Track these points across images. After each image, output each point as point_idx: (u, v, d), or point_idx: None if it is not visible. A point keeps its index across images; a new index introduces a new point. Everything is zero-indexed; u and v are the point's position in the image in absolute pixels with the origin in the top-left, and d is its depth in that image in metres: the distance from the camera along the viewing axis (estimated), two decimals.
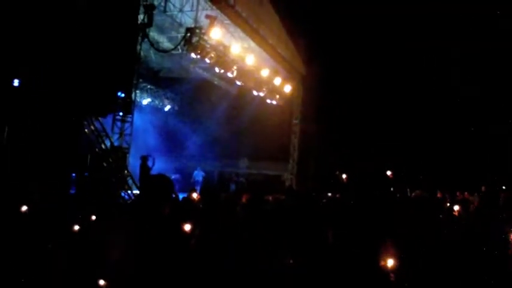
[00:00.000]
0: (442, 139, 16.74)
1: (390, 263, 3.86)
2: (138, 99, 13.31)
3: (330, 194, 9.19)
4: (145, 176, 9.49)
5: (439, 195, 10.79)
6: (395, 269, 3.89)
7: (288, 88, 14.38)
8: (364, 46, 15.30)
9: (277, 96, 14.64)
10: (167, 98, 16.05)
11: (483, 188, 11.76)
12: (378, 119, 15.67)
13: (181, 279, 3.72)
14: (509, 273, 4.45)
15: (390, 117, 15.71)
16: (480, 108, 16.60)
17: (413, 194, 10.89)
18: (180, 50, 11.18)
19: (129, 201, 5.89)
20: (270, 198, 7.58)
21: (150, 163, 10.28)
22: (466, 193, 11.59)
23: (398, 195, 10.20)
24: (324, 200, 8.45)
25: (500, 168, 15.66)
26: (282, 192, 9.59)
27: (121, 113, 9.62)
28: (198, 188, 13.28)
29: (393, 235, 4.87)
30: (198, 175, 14.87)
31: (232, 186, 13.93)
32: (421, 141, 16.09)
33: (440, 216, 7.15)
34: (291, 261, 4.34)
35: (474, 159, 16.61)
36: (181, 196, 6.20)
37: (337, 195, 8.98)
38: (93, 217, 4.80)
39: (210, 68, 12.36)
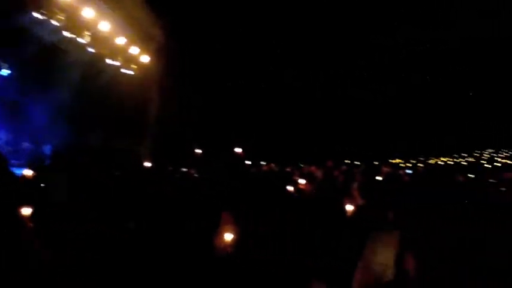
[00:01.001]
0: (295, 114, 17.76)
1: (228, 237, 3.93)
2: None
3: (184, 169, 9.18)
4: None
5: (288, 169, 11.47)
6: (235, 243, 3.97)
7: (145, 58, 13.84)
8: (225, 22, 15.41)
9: (134, 67, 14.01)
10: (5, 62, 14.28)
11: (329, 163, 12.79)
12: (231, 94, 16.01)
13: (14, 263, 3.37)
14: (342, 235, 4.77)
15: (243, 94, 16.17)
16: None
17: (264, 168, 11.44)
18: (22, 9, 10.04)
19: None
20: (119, 173, 7.32)
21: None
22: (312, 167, 12.50)
23: (250, 170, 10.56)
24: (178, 175, 8.42)
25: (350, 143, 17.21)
26: (135, 166, 9.30)
27: None
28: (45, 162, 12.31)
29: (237, 209, 4.97)
30: (45, 148, 13.73)
31: (83, 160, 13.10)
32: (272, 117, 16.88)
33: (289, 189, 7.57)
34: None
35: (325, 134, 17.99)
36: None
37: (192, 171, 9.00)
38: None
39: (58, 32, 11.30)
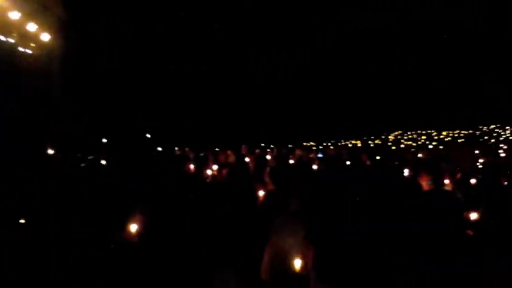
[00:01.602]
0: (211, 98, 17.56)
1: (134, 228, 3.84)
2: None
3: (91, 157, 8.74)
4: None
5: (202, 154, 11.27)
6: (146, 236, 3.90)
7: (45, 36, 12.72)
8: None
9: (33, 45, 12.84)
10: None
11: (243, 148, 12.76)
12: (139, 78, 15.49)
13: None
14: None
15: (152, 80, 15.70)
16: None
17: (177, 153, 11.14)
18: None
19: None
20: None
21: None
22: (228, 152, 12.39)
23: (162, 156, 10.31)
24: (84, 164, 8.10)
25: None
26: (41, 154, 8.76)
27: None
28: None
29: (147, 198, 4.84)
30: None
31: None
32: (192, 99, 16.58)
33: (202, 174, 7.42)
34: None
35: (243, 118, 17.98)
36: None
37: (100, 159, 8.59)
38: None
39: None
